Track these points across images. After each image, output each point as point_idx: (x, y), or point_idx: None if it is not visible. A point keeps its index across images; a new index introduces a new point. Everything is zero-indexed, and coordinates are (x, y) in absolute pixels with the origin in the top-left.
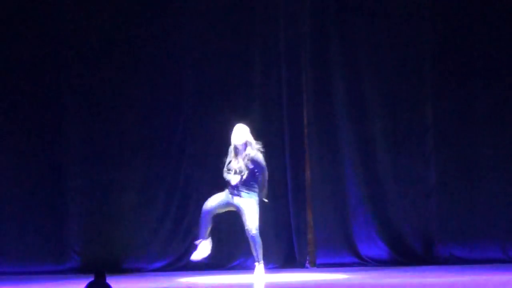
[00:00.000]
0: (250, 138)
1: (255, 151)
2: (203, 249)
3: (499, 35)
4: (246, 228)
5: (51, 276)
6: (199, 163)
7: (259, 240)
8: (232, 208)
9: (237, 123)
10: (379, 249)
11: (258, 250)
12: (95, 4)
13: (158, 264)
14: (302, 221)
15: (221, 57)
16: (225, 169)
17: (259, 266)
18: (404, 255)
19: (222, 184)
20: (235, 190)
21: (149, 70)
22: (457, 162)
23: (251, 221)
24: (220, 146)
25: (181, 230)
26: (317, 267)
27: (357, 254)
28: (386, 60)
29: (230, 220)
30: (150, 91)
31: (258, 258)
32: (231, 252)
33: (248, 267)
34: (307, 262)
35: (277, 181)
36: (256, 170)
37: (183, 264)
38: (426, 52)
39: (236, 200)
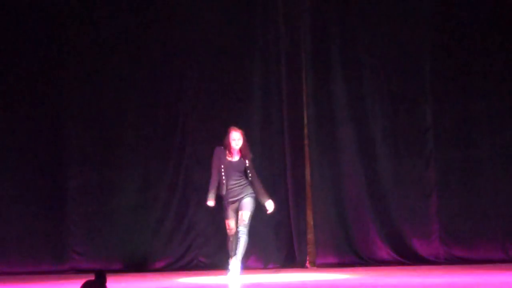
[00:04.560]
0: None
1: None
2: (235, 266)
3: (498, 36)
4: (244, 223)
5: (51, 276)
6: (199, 163)
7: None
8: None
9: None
10: (379, 249)
11: (245, 247)
12: (95, 3)
13: (158, 264)
14: (302, 221)
15: (221, 57)
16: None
17: (238, 263)
18: (404, 255)
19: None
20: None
21: (149, 70)
22: (457, 162)
23: (248, 218)
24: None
25: (181, 230)
26: (317, 267)
27: (357, 254)
28: (386, 60)
29: None
30: (150, 90)
31: (241, 256)
32: None
33: (248, 267)
34: (307, 262)
35: (277, 181)
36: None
37: (183, 264)
38: (426, 52)
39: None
